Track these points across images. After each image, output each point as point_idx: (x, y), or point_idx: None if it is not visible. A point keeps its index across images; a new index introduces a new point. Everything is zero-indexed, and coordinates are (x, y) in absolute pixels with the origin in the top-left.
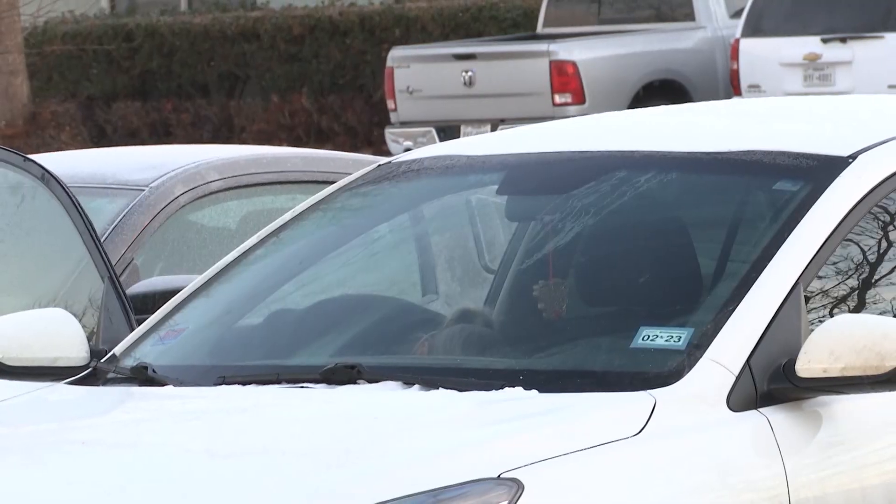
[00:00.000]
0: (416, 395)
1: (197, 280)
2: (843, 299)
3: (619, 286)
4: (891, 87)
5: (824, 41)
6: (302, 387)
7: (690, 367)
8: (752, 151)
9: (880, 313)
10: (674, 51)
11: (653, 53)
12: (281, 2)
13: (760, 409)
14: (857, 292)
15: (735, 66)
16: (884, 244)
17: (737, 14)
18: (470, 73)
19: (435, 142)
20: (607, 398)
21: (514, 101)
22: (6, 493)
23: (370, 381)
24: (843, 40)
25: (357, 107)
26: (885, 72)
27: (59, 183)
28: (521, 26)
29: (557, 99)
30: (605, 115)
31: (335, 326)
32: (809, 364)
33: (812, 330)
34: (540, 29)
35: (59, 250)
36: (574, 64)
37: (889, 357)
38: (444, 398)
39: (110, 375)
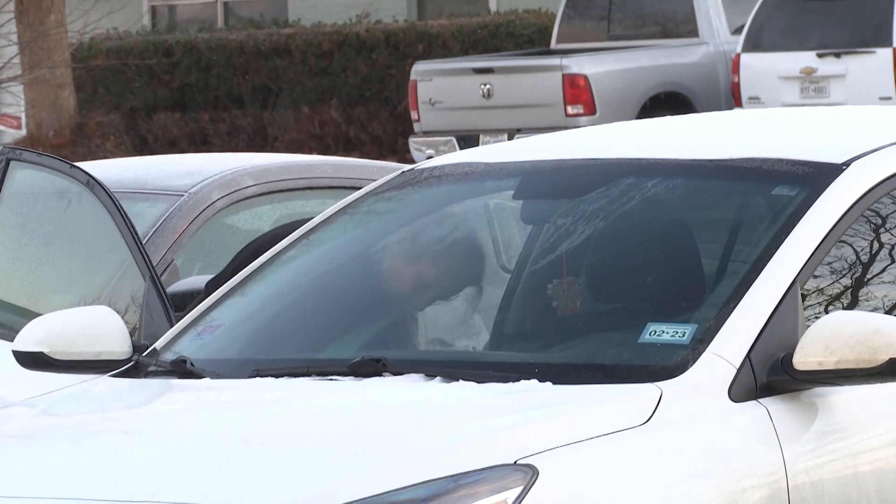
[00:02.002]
0: (437, 386)
1: (233, 279)
2: (838, 297)
3: (627, 285)
4: (882, 98)
5: (819, 56)
6: (331, 379)
7: (694, 360)
8: (752, 159)
9: (872, 310)
10: (678, 65)
11: (659, 67)
12: (311, 19)
13: (760, 400)
14: (850, 290)
15: (736, 80)
16: (875, 245)
17: (738, 30)
18: (488, 86)
19: (455, 150)
20: (617, 389)
21: (530, 111)
22: (53, 479)
23: (395, 374)
24: (837, 55)
25: (382, 117)
26: (876, 85)
27: (103, 188)
28: (535, 42)
29: (570, 110)
30: (615, 124)
31: (362, 322)
32: (806, 357)
33: (808, 326)
34: (553, 45)
35: (103, 252)
36: (585, 77)
37: (880, 351)
38: (464, 390)
39: (151, 369)
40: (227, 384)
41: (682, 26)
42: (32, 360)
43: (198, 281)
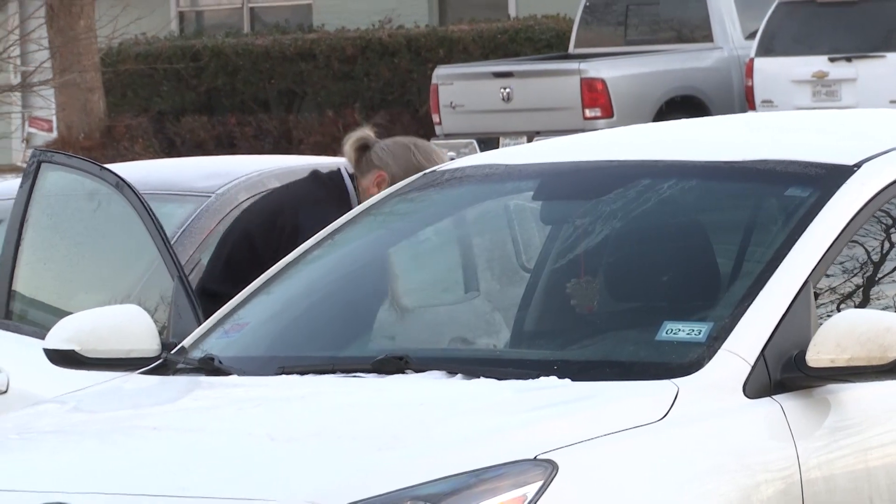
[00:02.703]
0: (458, 383)
1: (259, 278)
2: (849, 296)
3: (644, 284)
4: (892, 102)
5: (831, 60)
6: (354, 376)
7: (710, 357)
8: (766, 161)
9: (883, 309)
10: (694, 69)
11: (675, 72)
12: (335, 25)
13: (774, 397)
14: (861, 289)
15: (750, 83)
16: (886, 245)
17: (751, 36)
18: (508, 90)
19: (476, 152)
20: (634, 386)
21: (548, 115)
22: (85, 474)
23: (417, 371)
24: (849, 59)
25: (405, 121)
26: (886, 88)
27: (132, 190)
28: (554, 47)
29: (588, 113)
30: (631, 127)
31: (384, 320)
32: (818, 355)
33: (821, 324)
34: (572, 49)
35: (132, 251)
36: (603, 81)
37: (891, 349)
38: (485, 386)
39: (180, 366)
40: (253, 381)
41: (697, 31)
42: (63, 358)
43: None
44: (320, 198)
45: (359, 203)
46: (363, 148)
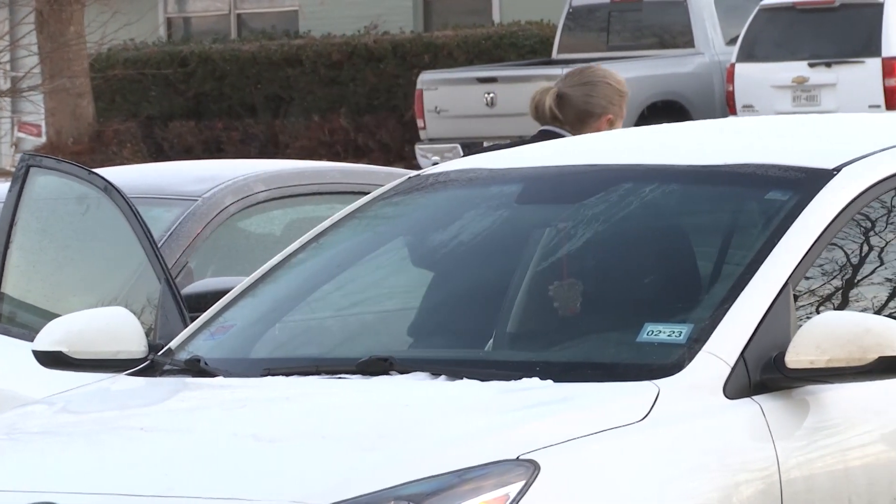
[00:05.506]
0: (442, 384)
1: (245, 281)
2: (829, 298)
3: (625, 286)
4: (871, 106)
5: (811, 66)
6: (339, 377)
7: (690, 359)
8: (746, 165)
9: (862, 310)
10: (675, 75)
11: (656, 77)
12: (321, 31)
13: (754, 398)
14: (841, 291)
15: (731, 89)
16: (865, 248)
17: (732, 41)
18: (492, 95)
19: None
20: (615, 387)
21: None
22: (72, 474)
23: (401, 373)
24: (829, 65)
25: (390, 125)
26: (865, 93)
27: (120, 194)
28: (537, 52)
29: None
30: (614, 132)
31: (370, 322)
32: (798, 356)
33: (800, 326)
34: (555, 55)
35: (120, 255)
36: None
37: (870, 350)
38: (468, 388)
39: (166, 367)
40: (239, 382)
41: (679, 37)
42: (52, 360)
43: (211, 283)
44: None
45: None
46: (561, 98)
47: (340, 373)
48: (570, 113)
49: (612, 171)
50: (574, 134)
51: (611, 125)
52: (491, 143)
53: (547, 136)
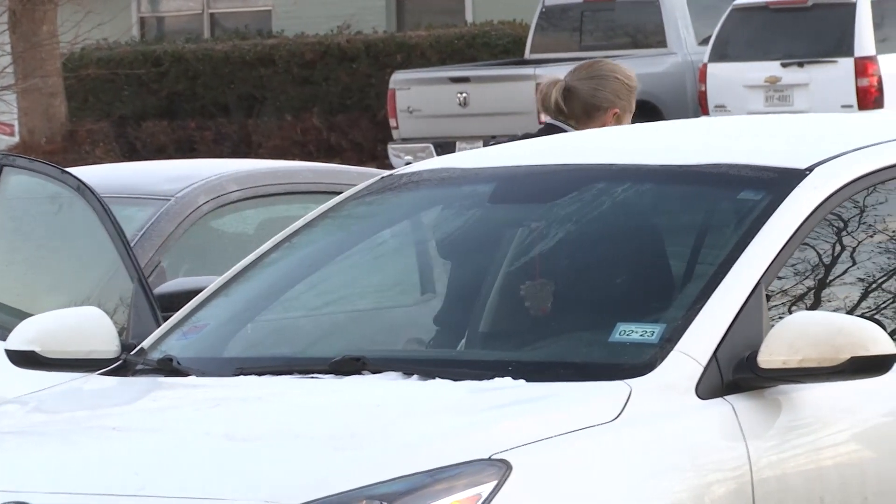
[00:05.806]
0: (414, 384)
1: (217, 281)
2: (801, 298)
3: (598, 286)
4: (843, 106)
5: (784, 65)
6: (312, 377)
7: (663, 358)
8: (719, 164)
9: (834, 310)
10: (648, 74)
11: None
12: (294, 30)
13: (726, 397)
14: (813, 291)
15: (703, 88)
16: (837, 248)
17: (704, 41)
18: (464, 95)
19: (433, 156)
20: (587, 387)
21: (504, 119)
22: (45, 474)
23: (374, 372)
24: (801, 65)
25: (363, 125)
26: (838, 93)
27: (93, 193)
28: (510, 52)
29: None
30: (587, 132)
31: (342, 321)
32: (770, 356)
33: (773, 326)
34: (527, 55)
35: (93, 254)
36: None
37: (843, 350)
38: (441, 387)
39: (139, 367)
40: (211, 382)
41: (652, 37)
42: (24, 359)
43: (184, 282)
44: None
45: None
46: (568, 91)
47: (313, 372)
48: (576, 106)
49: (585, 170)
50: (579, 128)
51: (617, 119)
52: (492, 141)
53: (551, 131)
